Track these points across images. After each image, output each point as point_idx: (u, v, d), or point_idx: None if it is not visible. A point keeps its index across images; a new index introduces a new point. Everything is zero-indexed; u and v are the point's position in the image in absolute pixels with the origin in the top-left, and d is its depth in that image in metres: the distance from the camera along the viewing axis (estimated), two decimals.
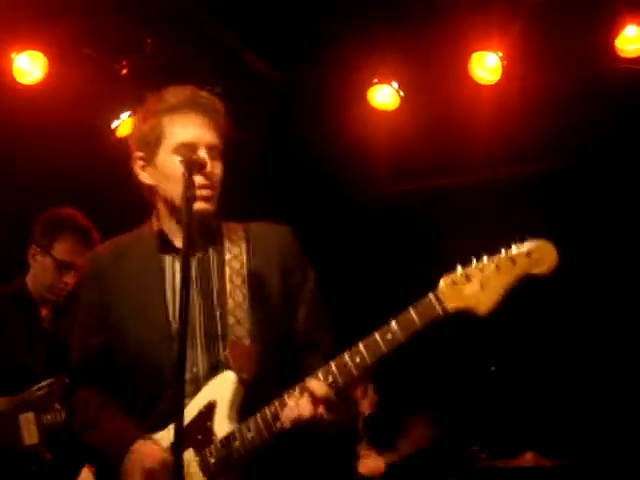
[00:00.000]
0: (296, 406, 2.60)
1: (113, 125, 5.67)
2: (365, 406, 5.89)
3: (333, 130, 6.16)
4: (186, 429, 2.54)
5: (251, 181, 5.39)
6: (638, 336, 5.93)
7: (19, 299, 4.43)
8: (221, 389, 2.72)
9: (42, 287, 4.42)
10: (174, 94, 2.88)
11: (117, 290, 2.90)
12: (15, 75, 5.02)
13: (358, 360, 2.59)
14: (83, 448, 2.93)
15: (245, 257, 2.88)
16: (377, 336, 2.58)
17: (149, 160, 2.89)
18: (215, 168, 2.84)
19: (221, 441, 2.68)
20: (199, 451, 2.70)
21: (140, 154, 2.91)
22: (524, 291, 2.53)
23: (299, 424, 2.60)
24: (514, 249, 2.55)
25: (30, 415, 4.19)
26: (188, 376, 2.74)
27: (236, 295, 2.82)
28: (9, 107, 5.15)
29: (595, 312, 6.09)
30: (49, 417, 4.21)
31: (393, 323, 2.57)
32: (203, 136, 2.83)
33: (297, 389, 2.64)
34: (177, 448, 2.40)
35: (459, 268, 2.57)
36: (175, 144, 2.82)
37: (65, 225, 4.41)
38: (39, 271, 4.43)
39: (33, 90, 5.14)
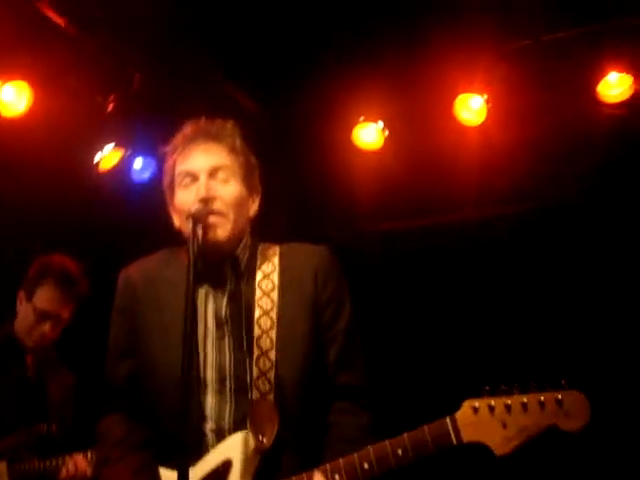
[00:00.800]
0: None
1: (96, 159, 5.63)
2: None
3: (317, 168, 6.17)
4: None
5: None
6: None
7: (7, 346, 4.43)
8: (238, 450, 2.61)
9: (23, 333, 4.43)
10: (182, 132, 2.89)
11: (148, 318, 2.83)
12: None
13: (366, 466, 2.52)
14: None
15: (277, 294, 2.77)
16: (389, 447, 2.50)
17: (172, 204, 2.89)
18: (221, 190, 2.78)
19: None
20: None
21: (168, 199, 2.92)
22: None
23: None
24: (545, 391, 2.41)
25: (2, 465, 4.16)
26: (214, 427, 2.67)
27: (263, 342, 2.70)
28: None
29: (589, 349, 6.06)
30: (21, 467, 4.17)
31: (406, 440, 2.48)
32: (202, 161, 2.80)
33: (316, 473, 2.55)
34: None
35: (485, 394, 2.45)
36: (178, 178, 2.83)
37: (50, 273, 4.43)
38: (22, 317, 4.45)
39: (16, 122, 5.10)
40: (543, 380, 2.45)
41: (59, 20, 4.81)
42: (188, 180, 2.80)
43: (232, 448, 2.62)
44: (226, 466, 2.61)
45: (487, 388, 2.46)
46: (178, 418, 2.53)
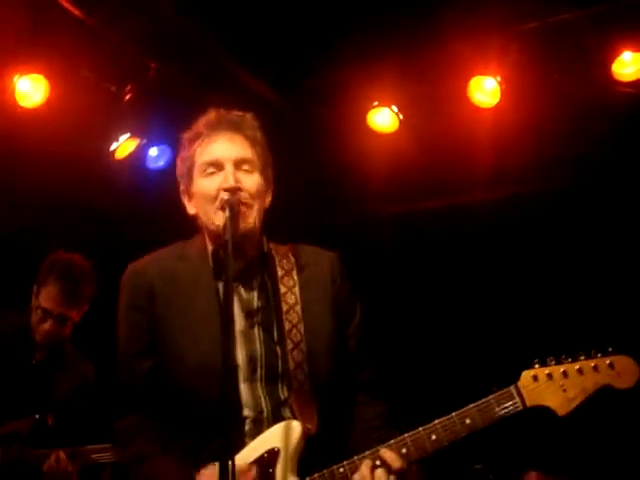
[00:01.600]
0: (370, 475, 2.60)
1: (112, 147, 5.68)
2: None
3: (332, 152, 6.19)
4: (250, 468, 2.53)
5: None
6: None
7: (20, 335, 4.48)
8: (286, 438, 2.64)
9: (33, 325, 4.47)
10: (201, 121, 2.88)
11: (169, 314, 2.80)
12: (16, 98, 5.03)
13: (434, 437, 2.63)
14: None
15: (298, 291, 2.83)
16: (456, 418, 2.62)
17: (188, 190, 2.88)
18: (245, 181, 2.78)
19: None
20: None
21: (182, 187, 2.91)
22: None
23: None
24: (596, 357, 2.64)
25: None
26: (251, 415, 2.70)
27: (294, 335, 2.77)
28: (9, 129, 5.16)
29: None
30: (12, 454, 4.22)
31: (474, 410, 2.62)
32: (227, 151, 2.80)
33: (369, 456, 2.62)
34: None
35: (538, 365, 2.65)
36: (201, 166, 2.82)
37: (55, 272, 4.44)
38: (32, 310, 4.49)
39: (33, 113, 5.15)
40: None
41: (75, 11, 4.83)
42: (212, 169, 2.80)
43: (278, 436, 2.66)
44: (272, 454, 2.64)
45: (537, 361, 2.67)
46: (218, 407, 2.56)
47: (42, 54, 4.97)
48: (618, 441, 5.88)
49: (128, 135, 5.67)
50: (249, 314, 2.79)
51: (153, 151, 5.98)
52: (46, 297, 4.42)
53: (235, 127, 2.84)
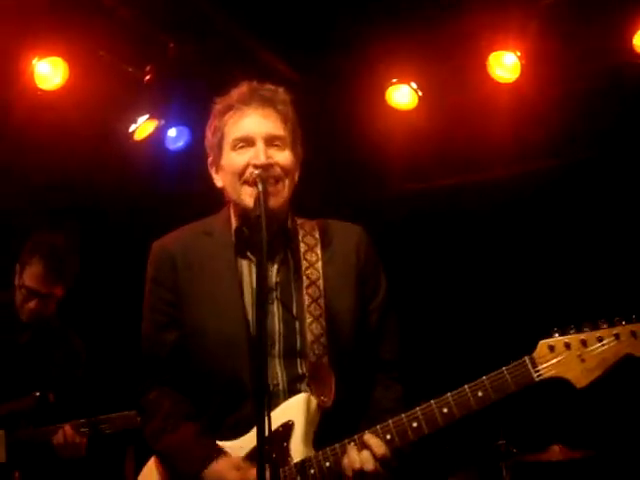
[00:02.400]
0: (358, 460, 2.60)
1: (131, 129, 5.69)
2: None
3: (351, 128, 6.18)
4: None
5: None
6: None
7: (4, 315, 4.49)
8: (300, 411, 2.67)
9: (17, 305, 4.49)
10: (233, 93, 2.86)
11: (192, 288, 2.83)
12: (36, 81, 5.04)
13: (446, 410, 2.59)
14: (155, 453, 2.88)
15: (321, 266, 2.83)
16: (468, 390, 2.57)
17: (217, 163, 2.88)
18: (277, 157, 2.78)
19: (296, 465, 2.64)
20: (274, 470, 2.62)
21: (211, 158, 2.91)
22: None
23: (360, 475, 2.60)
24: (619, 325, 2.50)
25: (0, 432, 4.23)
26: (270, 388, 2.68)
27: (313, 309, 2.77)
28: (29, 112, 5.18)
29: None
30: (18, 435, 4.25)
31: (486, 382, 2.55)
32: (259, 127, 2.79)
33: (356, 442, 2.62)
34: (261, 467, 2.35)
35: (557, 334, 2.54)
36: (232, 141, 2.81)
37: (39, 251, 4.45)
38: (16, 289, 4.50)
39: (53, 95, 5.17)
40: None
41: None
42: (243, 143, 2.79)
43: (293, 410, 2.68)
44: (287, 427, 2.67)
45: (556, 329, 2.55)
46: (237, 381, 2.66)
47: (61, 37, 4.98)
48: None
49: (147, 116, 5.69)
50: (268, 289, 2.79)
51: (172, 132, 6.00)
52: (30, 276, 4.43)
53: (268, 102, 2.82)
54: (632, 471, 5.63)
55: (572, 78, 5.54)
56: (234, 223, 2.89)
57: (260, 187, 2.64)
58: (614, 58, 5.34)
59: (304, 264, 2.83)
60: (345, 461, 2.62)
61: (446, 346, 6.37)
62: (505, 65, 5.43)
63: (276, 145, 2.79)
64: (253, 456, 2.66)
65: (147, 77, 5.36)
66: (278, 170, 2.76)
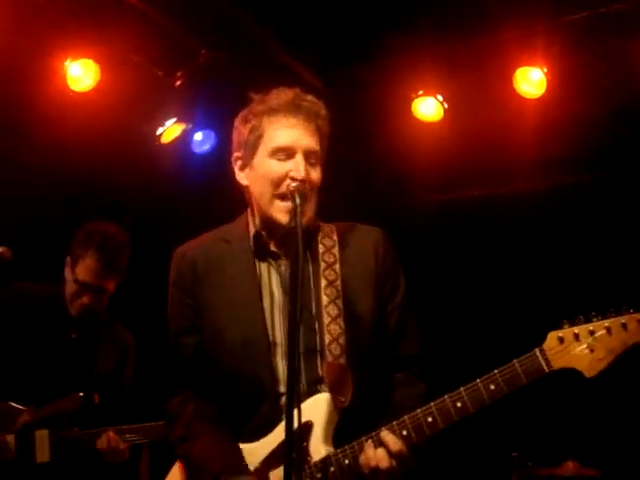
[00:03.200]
0: (374, 457, 2.62)
1: (158, 132, 5.77)
2: None
3: (376, 139, 6.22)
4: (283, 444, 2.54)
5: None
6: None
7: (53, 307, 4.37)
8: (318, 411, 2.70)
9: (67, 298, 4.36)
10: (276, 96, 2.85)
11: (211, 293, 2.87)
12: (68, 82, 5.13)
13: (459, 405, 2.61)
14: (180, 458, 2.91)
15: (339, 267, 2.85)
16: (480, 384, 2.60)
17: (247, 161, 2.88)
18: (311, 173, 2.79)
19: (316, 464, 2.66)
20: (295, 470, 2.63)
21: (239, 154, 2.91)
22: None
23: (375, 473, 2.62)
24: (626, 314, 2.52)
25: (45, 432, 4.17)
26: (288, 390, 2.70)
27: (331, 309, 2.79)
28: (60, 113, 5.27)
29: None
30: (62, 436, 4.20)
31: (498, 375, 2.58)
32: (301, 140, 2.80)
33: (375, 438, 2.64)
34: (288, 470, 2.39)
35: (566, 325, 2.56)
36: (272, 147, 2.81)
37: (93, 244, 4.30)
38: (67, 284, 4.37)
39: (84, 97, 5.25)
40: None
41: None
42: (283, 154, 2.80)
43: (312, 410, 2.70)
44: (307, 428, 2.69)
45: (565, 321, 2.58)
46: (256, 384, 2.70)
47: (93, 39, 5.05)
48: None
49: (174, 120, 5.76)
50: (287, 292, 2.83)
51: (198, 135, 6.07)
52: (84, 270, 4.28)
53: (313, 116, 2.83)
54: None
55: (598, 95, 5.55)
56: (252, 229, 2.92)
57: (298, 201, 2.66)
58: (638, 74, 5.35)
59: (322, 265, 2.86)
60: (362, 458, 2.65)
61: (460, 343, 6.40)
62: (531, 81, 5.46)
63: (311, 161, 2.81)
64: (271, 458, 2.71)
65: (178, 82, 5.42)
66: (308, 187, 2.78)
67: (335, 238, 2.93)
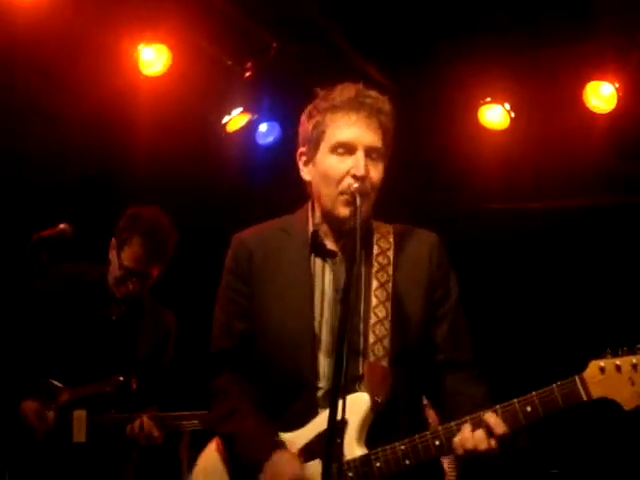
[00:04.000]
0: (472, 438, 2.61)
1: (224, 120, 5.83)
2: None
3: (440, 142, 6.20)
4: (317, 438, 2.54)
5: None
6: None
7: (96, 288, 4.37)
8: (355, 410, 2.69)
9: (112, 280, 4.34)
10: (339, 93, 2.83)
11: (264, 282, 2.88)
12: (139, 66, 5.22)
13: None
14: (220, 436, 2.93)
15: (392, 270, 2.85)
16: (516, 405, 2.60)
17: (310, 157, 2.87)
18: (372, 171, 2.78)
19: (348, 463, 2.66)
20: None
21: (303, 150, 2.91)
22: None
23: (471, 454, 2.62)
24: None
25: (83, 413, 4.19)
26: (326, 386, 2.75)
27: (379, 311, 2.79)
28: (130, 95, 5.36)
29: None
30: (99, 418, 4.21)
31: (536, 398, 2.58)
32: (362, 137, 2.77)
33: (470, 421, 2.63)
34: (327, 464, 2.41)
35: (609, 355, 2.55)
36: (333, 143, 2.80)
37: (139, 230, 4.26)
38: (112, 267, 4.35)
39: (154, 81, 5.34)
40: None
41: None
42: (344, 150, 2.79)
43: (348, 409, 2.63)
44: (341, 425, 2.65)
45: (609, 350, 2.56)
46: (294, 376, 2.72)
47: (167, 25, 5.13)
48: None
49: (241, 110, 5.82)
50: (338, 290, 2.84)
51: (263, 127, 6.12)
52: (130, 257, 4.24)
53: (375, 112, 2.80)
54: None
55: None
56: (311, 223, 2.93)
57: (358, 202, 2.66)
58: None
59: (375, 266, 2.86)
60: (456, 440, 2.63)
61: (500, 360, 6.34)
62: (602, 95, 5.40)
63: (373, 158, 2.79)
64: (306, 450, 2.72)
65: (247, 73, 5.47)
66: (368, 185, 2.76)
67: (391, 240, 2.92)
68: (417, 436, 2.67)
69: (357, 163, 2.76)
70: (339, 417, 2.41)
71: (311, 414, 2.75)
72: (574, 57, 5.29)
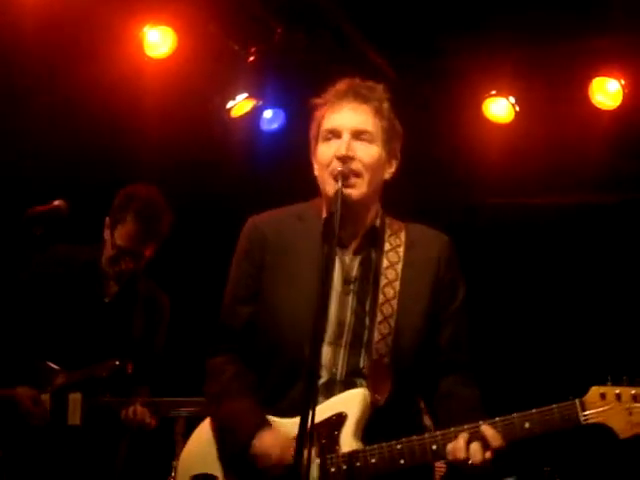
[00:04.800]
0: (465, 449, 2.62)
1: (229, 105, 5.82)
2: None
3: (444, 134, 6.17)
4: (315, 427, 2.55)
5: None
6: None
7: (89, 269, 4.35)
8: (355, 405, 2.73)
9: (105, 260, 4.32)
10: (335, 88, 2.92)
11: (276, 267, 2.91)
12: (144, 47, 5.20)
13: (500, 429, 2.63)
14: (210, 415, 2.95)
15: (401, 267, 2.88)
16: (515, 420, 2.62)
17: (314, 153, 2.95)
18: (359, 151, 2.82)
19: (343, 456, 2.69)
20: (322, 455, 2.70)
21: (312, 147, 2.97)
22: None
23: (460, 464, 2.63)
24: None
25: (78, 396, 4.19)
26: (326, 376, 2.78)
27: (386, 308, 2.83)
28: (135, 76, 5.35)
29: None
30: (94, 401, 4.20)
31: (535, 415, 2.61)
32: (349, 120, 2.84)
33: (467, 430, 2.65)
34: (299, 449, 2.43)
35: (610, 383, 2.59)
36: (322, 132, 2.88)
37: (133, 209, 4.23)
38: (105, 247, 4.33)
39: (158, 63, 5.33)
40: None
41: None
42: (331, 135, 2.86)
43: (349, 402, 2.74)
44: (340, 418, 2.73)
45: (610, 378, 2.60)
46: (298, 363, 2.73)
47: (174, 7, 5.13)
48: None
49: (246, 95, 5.81)
50: (347, 281, 2.87)
51: (267, 113, 6.11)
52: (123, 235, 4.22)
53: (361, 97, 2.87)
54: None
55: None
56: (324, 213, 2.95)
57: (340, 183, 2.72)
58: None
59: (385, 263, 2.89)
60: (450, 447, 2.65)
61: (501, 360, 6.34)
62: (607, 92, 5.40)
63: (363, 139, 2.84)
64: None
65: (251, 58, 5.46)
66: (359, 165, 2.80)
67: (402, 238, 2.95)
68: (415, 437, 2.69)
69: (339, 145, 2.82)
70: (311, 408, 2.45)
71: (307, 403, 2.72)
72: (580, 52, 5.28)
